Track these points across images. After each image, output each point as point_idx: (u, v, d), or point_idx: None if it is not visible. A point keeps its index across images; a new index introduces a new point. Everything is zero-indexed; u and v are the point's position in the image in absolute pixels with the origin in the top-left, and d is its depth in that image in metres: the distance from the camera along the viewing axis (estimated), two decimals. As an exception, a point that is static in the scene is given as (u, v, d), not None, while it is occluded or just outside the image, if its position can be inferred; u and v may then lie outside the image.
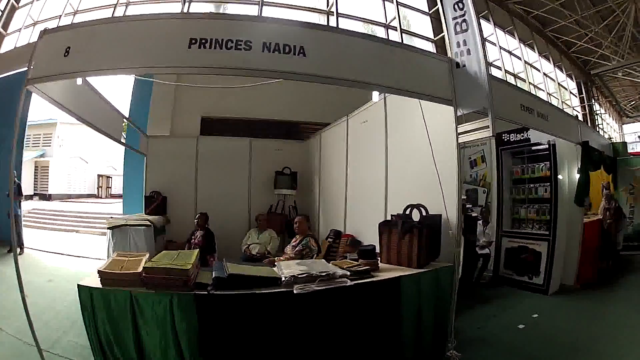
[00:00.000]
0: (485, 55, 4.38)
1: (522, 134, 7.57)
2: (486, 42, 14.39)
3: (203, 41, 3.38)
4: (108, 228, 6.27)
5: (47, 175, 30.51)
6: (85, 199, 29.58)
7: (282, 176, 8.87)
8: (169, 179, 8.24)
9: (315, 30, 4.15)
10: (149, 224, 6.51)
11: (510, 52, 15.93)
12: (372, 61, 3.98)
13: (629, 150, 12.34)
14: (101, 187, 36.81)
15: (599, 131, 19.44)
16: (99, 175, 36.32)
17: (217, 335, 3.20)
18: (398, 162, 5.68)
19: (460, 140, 4.37)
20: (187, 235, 7.05)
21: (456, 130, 4.35)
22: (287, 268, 3.71)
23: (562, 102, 18.78)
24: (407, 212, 4.63)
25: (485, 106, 4.17)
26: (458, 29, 4.47)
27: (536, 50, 17.41)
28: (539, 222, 7.42)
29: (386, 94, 5.70)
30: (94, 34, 3.66)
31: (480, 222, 7.73)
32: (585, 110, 21.31)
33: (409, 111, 5.10)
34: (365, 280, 3.76)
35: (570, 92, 20.48)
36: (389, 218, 5.09)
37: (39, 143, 30.78)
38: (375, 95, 5.90)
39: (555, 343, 4.91)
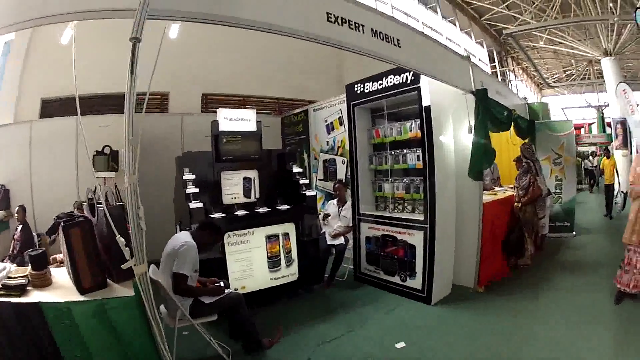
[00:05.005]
0: None
1: (381, 82, 5.55)
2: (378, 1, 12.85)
3: None
4: None
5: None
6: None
7: (100, 156, 7.71)
8: (13, 170, 7.61)
9: None
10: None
11: (406, 14, 14.36)
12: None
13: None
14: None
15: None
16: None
17: None
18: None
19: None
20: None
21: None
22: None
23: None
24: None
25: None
26: None
27: (439, 14, 15.89)
28: (411, 202, 5.46)
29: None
30: None
31: (334, 202, 6.36)
32: (497, 79, 20.07)
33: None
34: (5, 300, 2.80)
35: (480, 60, 19.14)
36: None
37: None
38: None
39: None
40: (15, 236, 6.40)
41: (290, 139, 9.06)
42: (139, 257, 2.57)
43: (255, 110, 5.71)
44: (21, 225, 6.44)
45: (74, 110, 7.98)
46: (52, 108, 8.67)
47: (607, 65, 16.19)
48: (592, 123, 24.77)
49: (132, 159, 2.58)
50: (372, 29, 3.82)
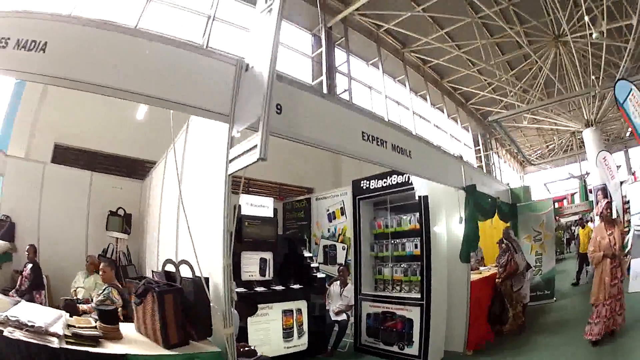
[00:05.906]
0: (276, 46, 3.00)
1: (385, 180, 6.49)
2: (372, 89, 13.84)
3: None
4: None
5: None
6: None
7: (115, 217, 8.04)
8: (22, 205, 7.50)
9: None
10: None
11: (397, 102, 15.26)
12: (123, 61, 3.06)
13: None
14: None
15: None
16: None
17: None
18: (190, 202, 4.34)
19: (234, 170, 3.15)
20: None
21: (227, 158, 3.21)
22: (17, 308, 3.14)
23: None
24: (169, 269, 3.85)
25: (259, 116, 2.86)
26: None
27: (429, 101, 16.99)
28: (408, 283, 6.24)
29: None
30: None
31: (337, 283, 6.90)
32: (482, 162, 21.15)
33: (210, 135, 3.95)
34: (81, 348, 2.86)
35: (465, 144, 20.29)
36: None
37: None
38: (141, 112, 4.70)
39: None
40: (25, 273, 6.50)
41: (291, 224, 9.53)
42: (229, 321, 3.19)
43: (272, 198, 6.48)
44: (31, 265, 6.51)
45: (86, 163, 8.58)
46: (64, 155, 8.79)
47: (589, 136, 16.71)
48: (575, 193, 24.80)
49: (229, 244, 3.17)
50: (392, 144, 4.66)
